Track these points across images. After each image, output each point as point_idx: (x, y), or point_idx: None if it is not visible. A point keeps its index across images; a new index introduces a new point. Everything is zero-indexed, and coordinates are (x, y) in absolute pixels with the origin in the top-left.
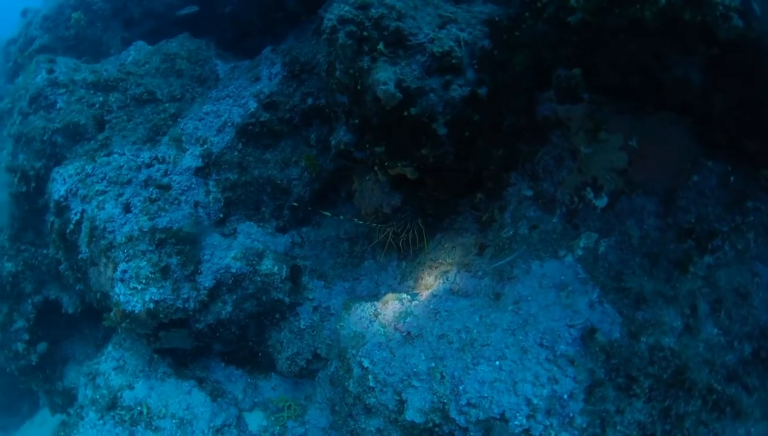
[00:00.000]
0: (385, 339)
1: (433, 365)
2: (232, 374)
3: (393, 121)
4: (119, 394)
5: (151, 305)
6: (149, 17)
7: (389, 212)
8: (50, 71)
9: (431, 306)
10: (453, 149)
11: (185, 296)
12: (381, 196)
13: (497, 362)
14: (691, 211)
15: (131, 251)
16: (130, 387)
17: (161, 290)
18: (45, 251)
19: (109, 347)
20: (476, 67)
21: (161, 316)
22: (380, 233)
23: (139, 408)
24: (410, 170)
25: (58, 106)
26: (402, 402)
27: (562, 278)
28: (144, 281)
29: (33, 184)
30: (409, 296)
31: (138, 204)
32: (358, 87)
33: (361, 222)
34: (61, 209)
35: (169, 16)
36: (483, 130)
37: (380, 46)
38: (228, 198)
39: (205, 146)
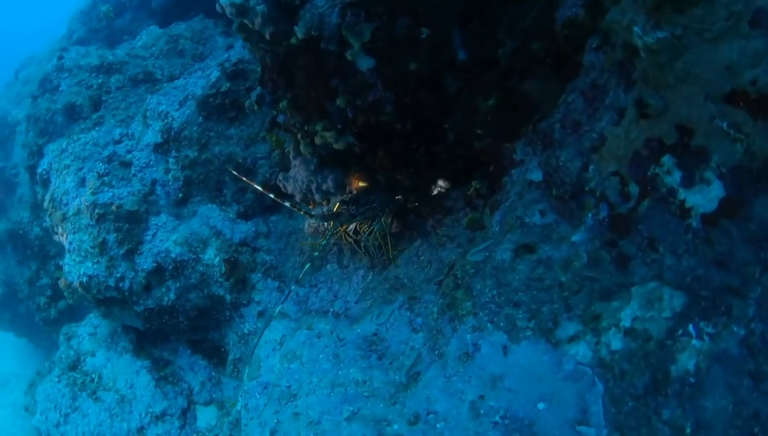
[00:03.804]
0: (274, 380)
1: None
2: (197, 364)
3: (288, 58)
4: (83, 358)
5: (84, 279)
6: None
7: (319, 200)
8: (60, 58)
9: (320, 357)
10: (391, 95)
11: (119, 274)
12: (308, 177)
13: None
14: None
15: (77, 224)
16: (93, 354)
17: (96, 266)
18: None
19: (92, 314)
20: None
21: (94, 291)
22: (342, 231)
23: (92, 376)
24: (331, 135)
25: (61, 88)
26: None
27: (539, 406)
28: (83, 254)
29: (36, 159)
30: (327, 327)
31: (91, 179)
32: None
33: (310, 213)
34: (44, 182)
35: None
36: (452, 65)
37: None
38: (187, 177)
39: (166, 121)
